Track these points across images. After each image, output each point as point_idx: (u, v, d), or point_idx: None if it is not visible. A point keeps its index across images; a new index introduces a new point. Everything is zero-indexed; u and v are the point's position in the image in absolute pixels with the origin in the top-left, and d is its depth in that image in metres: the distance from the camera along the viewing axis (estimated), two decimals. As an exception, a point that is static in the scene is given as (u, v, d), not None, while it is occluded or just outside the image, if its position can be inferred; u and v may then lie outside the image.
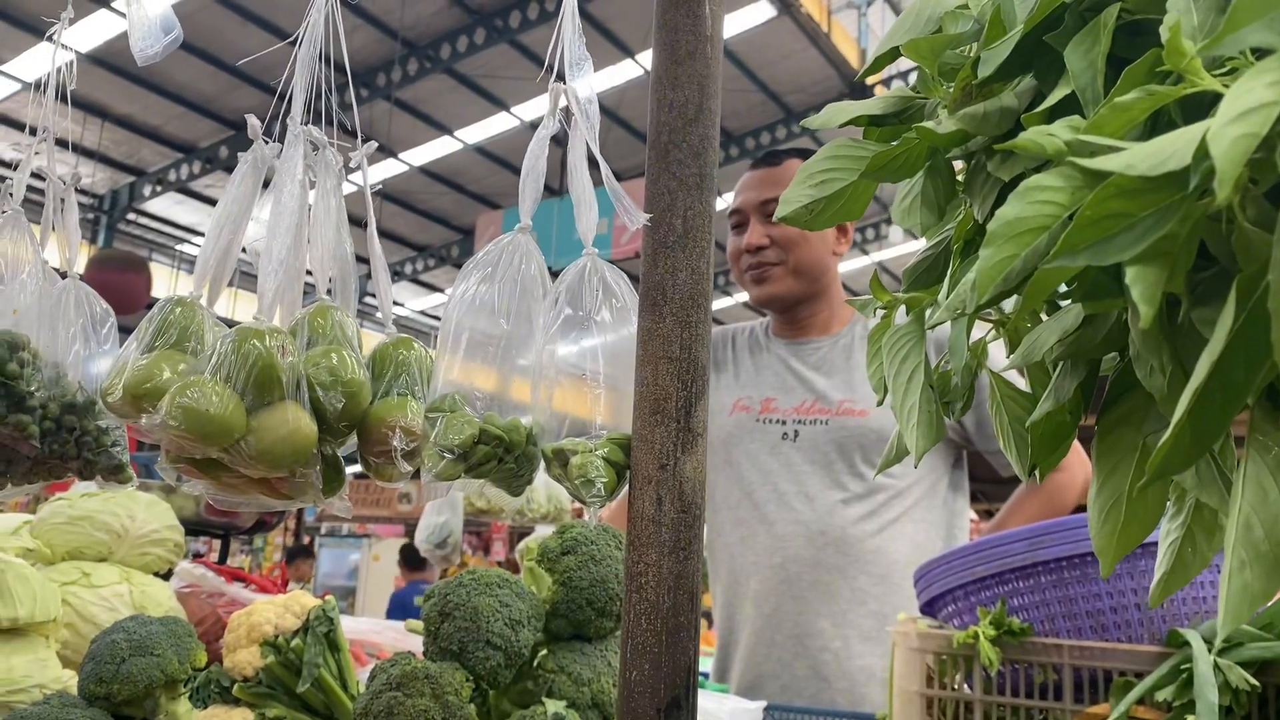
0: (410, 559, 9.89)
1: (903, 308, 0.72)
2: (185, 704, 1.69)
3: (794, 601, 2.14)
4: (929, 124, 0.61)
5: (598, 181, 1.03)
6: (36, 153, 1.35)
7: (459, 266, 16.78)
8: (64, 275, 1.21)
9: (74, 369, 1.16)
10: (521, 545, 5.50)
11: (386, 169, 15.78)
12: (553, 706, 1.29)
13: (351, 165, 1.12)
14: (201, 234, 19.16)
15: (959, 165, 0.67)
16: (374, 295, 1.26)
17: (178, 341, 0.99)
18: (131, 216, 17.79)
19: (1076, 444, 2.03)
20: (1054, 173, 0.50)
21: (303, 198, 1.03)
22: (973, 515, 2.74)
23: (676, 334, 0.89)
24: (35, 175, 1.39)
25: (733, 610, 2.23)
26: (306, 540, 12.39)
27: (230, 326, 1.04)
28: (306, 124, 1.05)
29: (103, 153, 15.93)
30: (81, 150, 15.69)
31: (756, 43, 13.01)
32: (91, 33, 12.67)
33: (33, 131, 1.44)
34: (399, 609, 9.28)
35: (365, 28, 12.56)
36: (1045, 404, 0.62)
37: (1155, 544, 0.65)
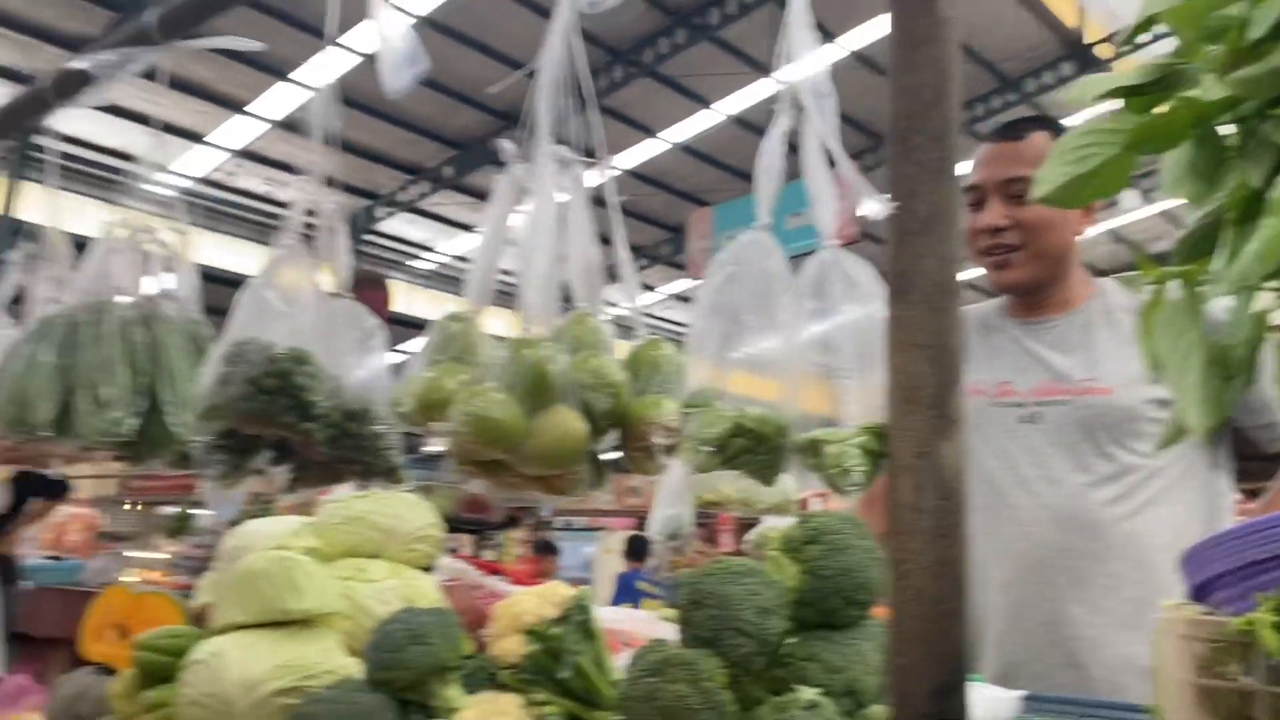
0: (632, 549, 10.29)
1: (1171, 281, 0.70)
2: (456, 689, 1.81)
3: (1044, 589, 2.07)
4: (1195, 91, 0.59)
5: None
6: (297, 187, 1.50)
7: (671, 264, 17.06)
8: (336, 296, 1.34)
9: (351, 380, 1.28)
10: (751, 535, 5.47)
11: (599, 175, 16.19)
12: (807, 693, 1.31)
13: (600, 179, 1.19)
14: (431, 249, 20.34)
15: (1228, 131, 0.64)
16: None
17: (458, 355, 1.08)
18: (368, 237, 19.05)
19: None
20: (1343, 131, 0.47)
21: (554, 214, 1.10)
22: (1236, 495, 2.56)
23: (926, 321, 0.89)
24: (279, 205, 1.55)
25: (980, 599, 2.18)
26: (544, 535, 12.98)
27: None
28: (552, 143, 1.12)
29: (341, 180, 17.16)
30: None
31: (967, 9, 12.50)
32: (324, 69, 13.61)
33: (285, 168, 1.60)
34: (624, 591, 9.68)
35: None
36: (1341, 374, 0.59)
37: None
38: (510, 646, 1.56)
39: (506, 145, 1.18)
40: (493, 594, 2.21)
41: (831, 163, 1.05)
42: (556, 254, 1.08)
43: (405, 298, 19.42)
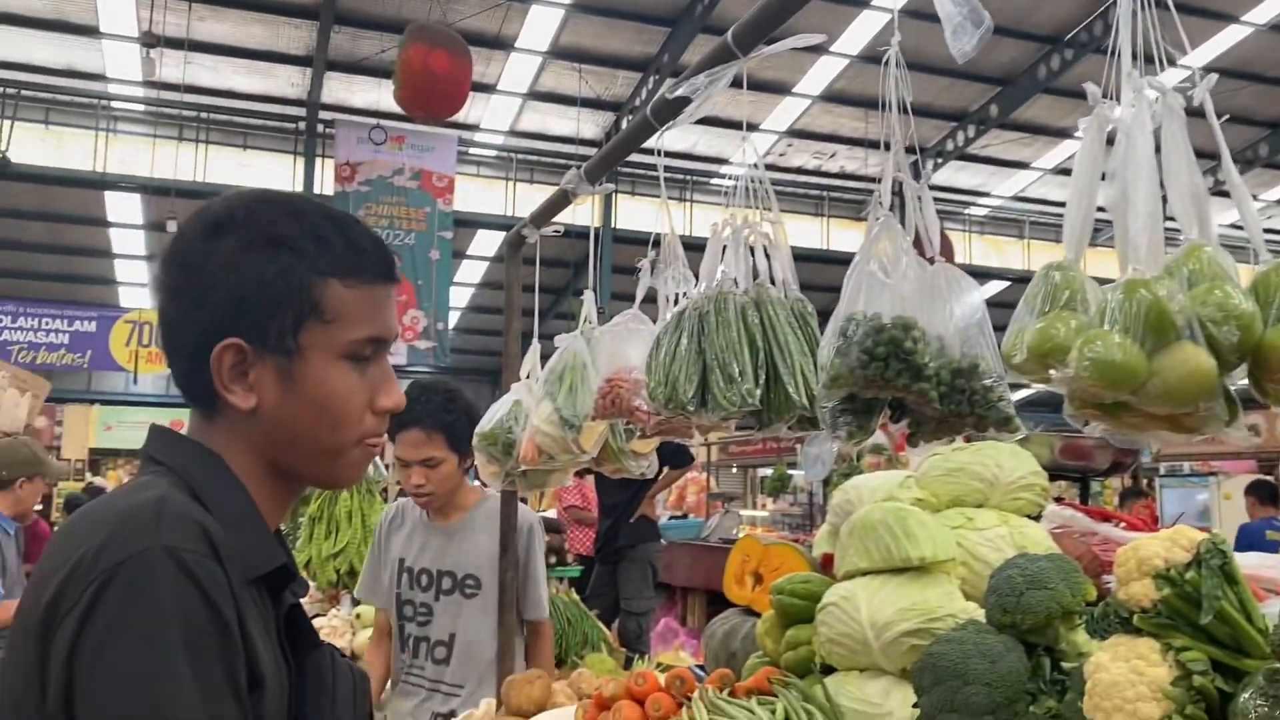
0: (1261, 494, 9.17)
1: None
2: (1082, 634, 1.80)
3: None
4: None
5: None
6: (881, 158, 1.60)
7: (1271, 166, 14.83)
8: (932, 261, 1.41)
9: (953, 339, 1.35)
10: None
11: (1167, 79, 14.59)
12: None
13: (1195, 104, 1.12)
14: (985, 194, 19.75)
15: None
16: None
17: (1066, 303, 1.10)
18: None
19: None
20: None
21: (1150, 145, 1.06)
22: None
23: None
24: (850, 177, 1.64)
25: None
26: (1145, 482, 12.05)
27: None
28: (1138, 70, 1.08)
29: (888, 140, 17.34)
30: (866, 144, 17.27)
31: None
32: (859, 34, 13.93)
33: (830, 139, 1.71)
34: (1250, 542, 8.60)
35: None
36: None
37: None
38: (1139, 591, 1.51)
39: (1091, 88, 1.15)
40: (1107, 540, 2.15)
41: None
42: (1156, 186, 1.04)
43: (962, 247, 19.11)
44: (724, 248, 1.80)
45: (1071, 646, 1.78)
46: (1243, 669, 1.46)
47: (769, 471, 13.23)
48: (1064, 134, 17.08)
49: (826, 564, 2.63)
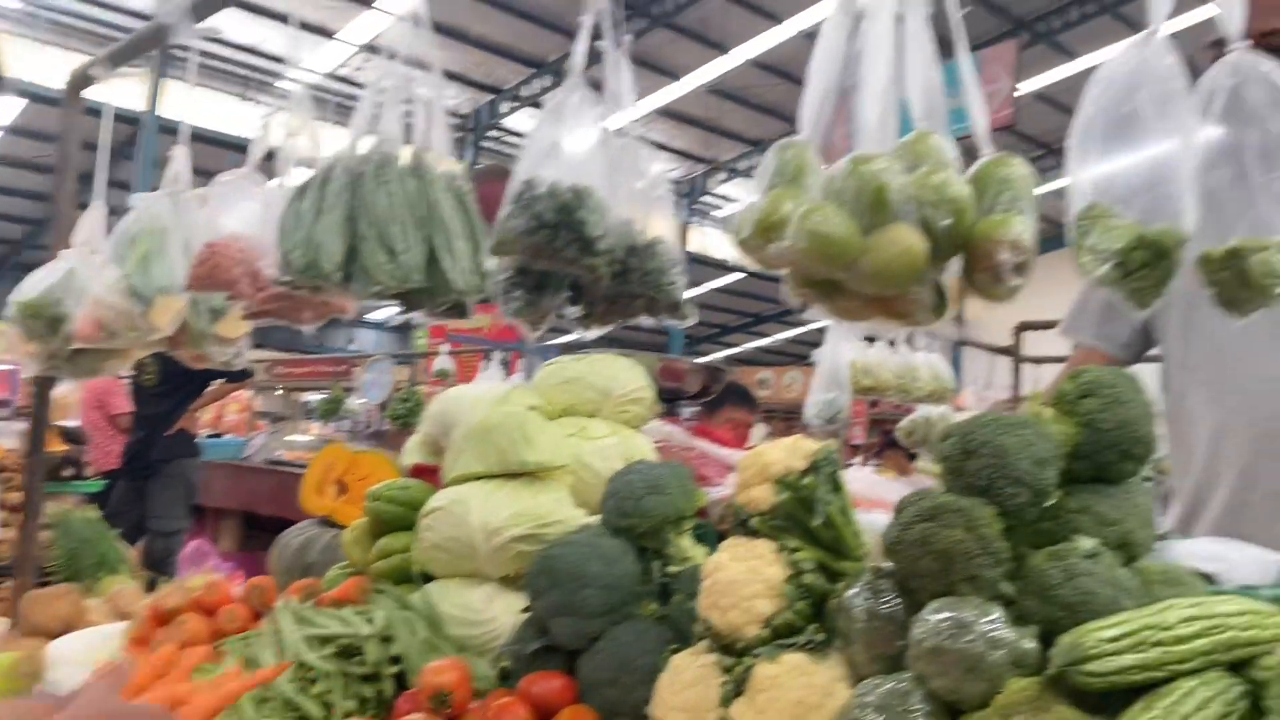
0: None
1: None
2: (688, 539, 1.87)
3: (1273, 461, 2.01)
4: None
5: None
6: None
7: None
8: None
9: (636, 217, 1.29)
10: (904, 424, 5.53)
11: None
12: (1086, 543, 1.30)
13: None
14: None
15: None
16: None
17: (792, 179, 1.08)
18: (493, 133, 19.12)
19: None
20: None
21: (890, 30, 1.07)
22: None
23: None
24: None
25: (1202, 473, 2.12)
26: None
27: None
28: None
29: (465, 75, 17.19)
30: (447, 73, 17.03)
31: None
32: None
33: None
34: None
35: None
36: None
37: None
38: (759, 495, 1.58)
39: (847, -33, 1.15)
40: (704, 455, 2.26)
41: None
42: (893, 73, 1.05)
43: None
44: (380, 105, 1.61)
45: (678, 551, 1.84)
46: (840, 570, 1.58)
47: (316, 396, 12.71)
48: (671, 74, 17.49)
49: (418, 473, 2.51)
